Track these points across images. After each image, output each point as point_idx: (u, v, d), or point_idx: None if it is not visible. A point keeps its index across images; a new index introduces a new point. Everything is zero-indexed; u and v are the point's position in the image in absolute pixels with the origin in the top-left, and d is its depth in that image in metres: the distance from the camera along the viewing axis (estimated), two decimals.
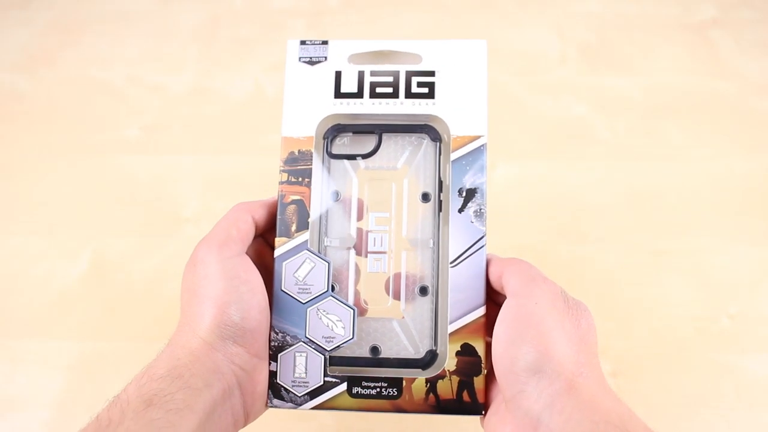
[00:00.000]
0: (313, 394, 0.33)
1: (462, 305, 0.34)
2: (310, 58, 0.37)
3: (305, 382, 0.33)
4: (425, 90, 0.36)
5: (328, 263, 0.34)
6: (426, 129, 0.37)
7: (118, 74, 0.68)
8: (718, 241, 0.59)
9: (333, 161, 0.37)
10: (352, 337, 0.34)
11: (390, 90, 0.36)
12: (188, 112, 0.66)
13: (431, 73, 0.37)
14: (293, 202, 0.35)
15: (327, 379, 0.34)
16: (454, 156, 0.35)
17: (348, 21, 0.71)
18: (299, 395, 0.33)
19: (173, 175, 0.63)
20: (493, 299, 0.34)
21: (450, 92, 0.36)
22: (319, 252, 0.35)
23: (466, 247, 0.34)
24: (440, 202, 0.36)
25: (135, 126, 0.65)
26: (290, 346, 0.34)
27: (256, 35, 0.71)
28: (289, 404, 0.33)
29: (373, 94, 0.36)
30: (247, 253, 0.34)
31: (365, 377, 0.34)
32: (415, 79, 0.36)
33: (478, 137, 0.35)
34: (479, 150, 0.35)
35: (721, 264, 0.58)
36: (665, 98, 0.67)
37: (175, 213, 0.61)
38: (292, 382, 0.33)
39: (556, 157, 0.63)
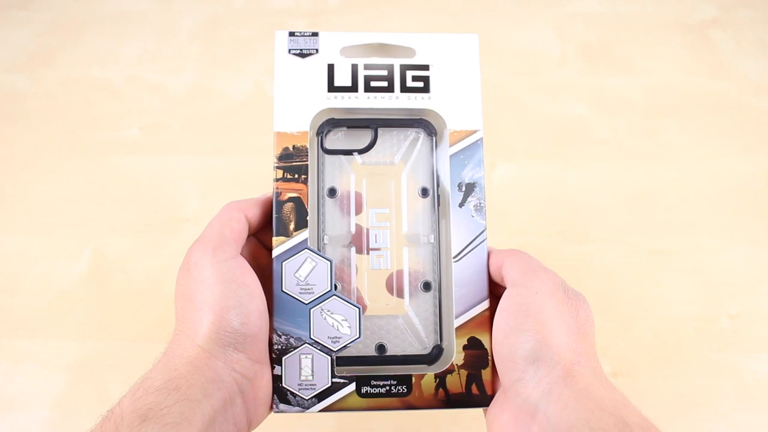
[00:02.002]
0: (321, 396, 0.33)
1: (466, 299, 0.34)
2: (301, 50, 0.36)
3: (312, 385, 0.33)
4: (420, 84, 0.36)
5: (330, 262, 0.33)
6: (422, 123, 0.36)
7: (118, 74, 0.68)
8: (718, 241, 0.59)
9: (329, 156, 0.36)
10: (359, 336, 0.33)
11: (385, 84, 0.36)
12: (188, 112, 0.66)
13: (425, 67, 0.36)
14: (290, 199, 0.34)
15: (335, 380, 0.33)
16: (451, 151, 0.35)
17: (348, 21, 0.71)
18: (306, 398, 0.33)
19: (173, 175, 0.63)
20: (492, 291, 0.34)
21: (445, 86, 0.36)
22: (318, 250, 0.34)
23: (468, 242, 0.34)
24: (438, 196, 0.36)
25: (135, 126, 0.65)
26: (295, 348, 0.33)
27: (256, 35, 0.71)
28: (297, 408, 0.32)
29: (368, 88, 0.36)
30: (241, 254, 0.32)
31: (374, 376, 0.33)
32: (409, 73, 0.36)
33: (475, 131, 0.35)
34: (476, 144, 0.35)
35: (721, 264, 0.58)
36: (665, 98, 0.67)
37: (175, 213, 0.61)
38: (299, 385, 0.33)
39: (556, 157, 0.63)
